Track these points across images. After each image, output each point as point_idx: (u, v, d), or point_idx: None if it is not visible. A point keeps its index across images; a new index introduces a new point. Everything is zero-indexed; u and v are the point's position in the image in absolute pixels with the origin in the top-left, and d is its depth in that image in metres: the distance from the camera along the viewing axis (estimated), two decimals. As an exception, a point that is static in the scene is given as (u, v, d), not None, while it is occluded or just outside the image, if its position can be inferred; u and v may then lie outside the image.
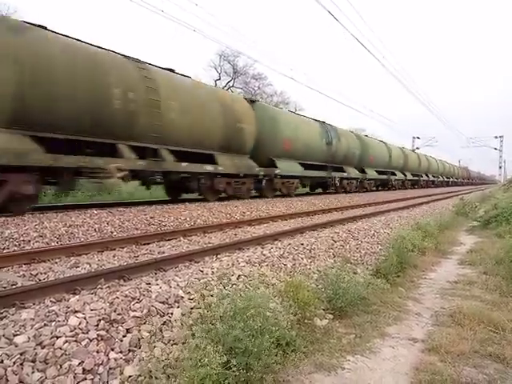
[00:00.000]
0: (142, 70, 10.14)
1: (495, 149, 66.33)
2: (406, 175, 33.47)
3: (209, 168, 12.15)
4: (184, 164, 11.20)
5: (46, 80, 7.95)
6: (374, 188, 27.71)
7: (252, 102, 15.65)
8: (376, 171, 26.80)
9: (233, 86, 36.25)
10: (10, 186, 7.46)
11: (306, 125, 18.53)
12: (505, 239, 7.33)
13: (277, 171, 15.54)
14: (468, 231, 11.34)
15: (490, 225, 11.15)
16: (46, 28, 8.42)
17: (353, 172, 23.08)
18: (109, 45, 9.73)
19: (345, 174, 21.96)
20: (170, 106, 10.68)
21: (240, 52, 28.18)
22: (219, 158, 12.73)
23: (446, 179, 51.06)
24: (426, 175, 41.01)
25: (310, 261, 5.13)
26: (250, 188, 14.51)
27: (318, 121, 20.25)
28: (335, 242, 6.33)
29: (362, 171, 24.72)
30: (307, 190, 21.56)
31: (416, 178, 36.90)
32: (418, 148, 54.08)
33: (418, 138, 58.97)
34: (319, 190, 21.90)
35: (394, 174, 30.60)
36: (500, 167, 68.46)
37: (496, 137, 65.71)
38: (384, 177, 28.57)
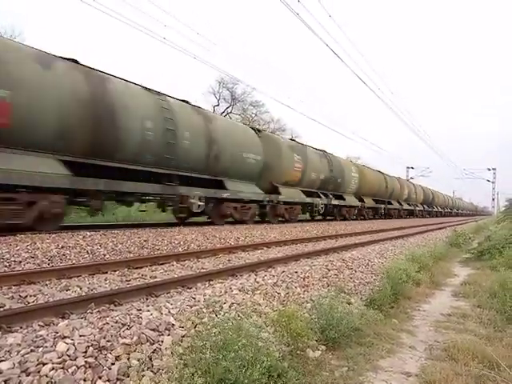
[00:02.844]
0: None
1: (488, 181, 67.13)
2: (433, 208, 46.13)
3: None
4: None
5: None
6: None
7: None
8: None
9: (231, 113, 36.80)
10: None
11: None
12: (499, 272, 7.33)
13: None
14: (462, 263, 11.33)
15: (483, 256, 11.15)
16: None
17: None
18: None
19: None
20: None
21: (238, 80, 28.70)
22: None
23: (457, 211, 69.49)
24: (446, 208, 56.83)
25: (303, 289, 5.09)
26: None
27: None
28: (329, 270, 6.29)
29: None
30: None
31: (441, 210, 51.56)
32: (412, 178, 54.63)
33: (412, 168, 59.63)
34: (318, 217, 21.12)
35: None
36: (493, 199, 69.04)
37: (489, 169, 66.68)
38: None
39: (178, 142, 11.24)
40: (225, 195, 13.28)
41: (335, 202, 21.52)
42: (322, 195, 20.09)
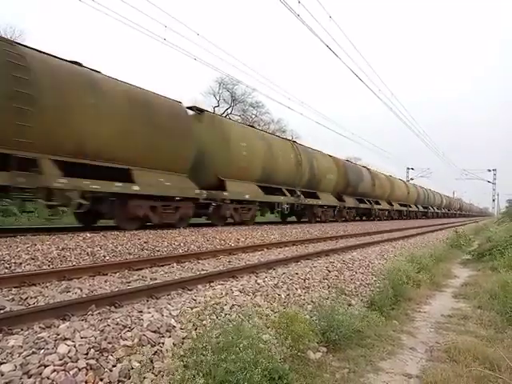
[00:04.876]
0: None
1: (488, 181, 67.19)
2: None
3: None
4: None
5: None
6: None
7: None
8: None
9: (231, 113, 36.79)
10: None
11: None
12: (499, 273, 7.32)
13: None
14: (462, 264, 11.32)
15: (484, 258, 11.14)
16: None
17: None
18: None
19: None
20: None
21: (239, 81, 28.70)
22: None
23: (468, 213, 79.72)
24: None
25: (304, 291, 5.09)
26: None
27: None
28: (330, 272, 6.29)
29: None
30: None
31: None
32: (412, 179, 54.67)
33: (412, 168, 59.66)
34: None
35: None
36: (493, 200, 69.11)
37: (489, 170, 66.72)
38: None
39: (301, 171, 18.10)
40: (319, 202, 19.80)
41: (376, 206, 27.97)
42: (367, 202, 26.43)
